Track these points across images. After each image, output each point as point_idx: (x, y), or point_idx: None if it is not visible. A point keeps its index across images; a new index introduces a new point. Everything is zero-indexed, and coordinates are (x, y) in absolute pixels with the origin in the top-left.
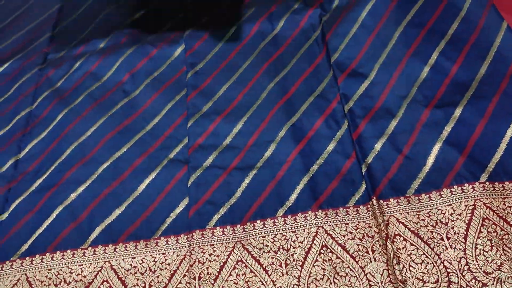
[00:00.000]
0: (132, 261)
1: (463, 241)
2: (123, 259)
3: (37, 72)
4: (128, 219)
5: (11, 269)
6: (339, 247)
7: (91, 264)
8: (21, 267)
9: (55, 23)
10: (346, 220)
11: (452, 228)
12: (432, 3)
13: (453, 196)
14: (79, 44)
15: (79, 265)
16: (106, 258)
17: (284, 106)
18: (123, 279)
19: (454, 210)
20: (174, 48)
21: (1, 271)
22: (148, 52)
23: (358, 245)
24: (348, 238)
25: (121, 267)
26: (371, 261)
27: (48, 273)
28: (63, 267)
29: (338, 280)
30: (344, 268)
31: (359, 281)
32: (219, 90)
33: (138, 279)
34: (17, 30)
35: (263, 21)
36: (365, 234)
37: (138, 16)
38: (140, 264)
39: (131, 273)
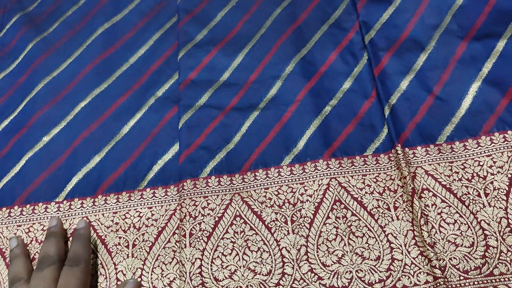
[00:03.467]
0: (114, 216)
1: (505, 198)
2: (103, 214)
3: None
4: (109, 167)
5: None
6: (355, 203)
7: (66, 220)
8: None
9: None
10: (364, 170)
11: (492, 182)
12: None
13: (493, 145)
14: None
15: None
16: (83, 213)
17: (292, 36)
18: (103, 237)
19: (495, 162)
20: None
21: None
22: None
23: (377, 200)
24: (366, 192)
25: (101, 224)
26: (393, 220)
27: (17, 230)
28: (34, 223)
29: (354, 241)
30: (361, 228)
31: (378, 243)
32: (215, 16)
33: (120, 237)
34: None
35: None
36: (386, 188)
37: None
38: (123, 220)
39: (112, 230)
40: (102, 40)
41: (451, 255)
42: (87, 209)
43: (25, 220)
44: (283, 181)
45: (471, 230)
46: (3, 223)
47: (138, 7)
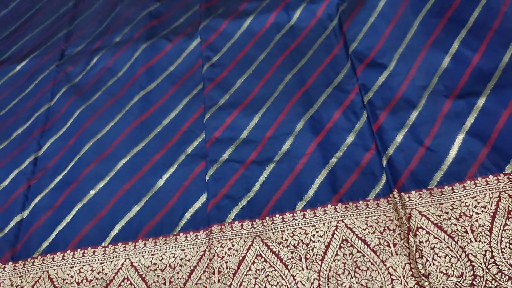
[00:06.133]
0: (152, 257)
1: (488, 234)
2: (143, 256)
3: (55, 68)
4: (147, 215)
5: (32, 266)
6: (360, 241)
7: (111, 261)
8: (42, 264)
9: (71, 18)
10: (367, 213)
11: (477, 220)
12: None
13: (477, 188)
14: (95, 39)
15: (100, 263)
16: (126, 255)
17: (301, 98)
18: (143, 276)
19: (479, 203)
20: (190, 42)
21: (23, 268)
22: (163, 47)
23: (379, 238)
24: (369, 232)
25: (141, 264)
26: (392, 255)
27: (70, 270)
28: (85, 265)
29: (359, 274)
30: (365, 262)
31: (380, 275)
32: (235, 83)
33: (158, 276)
34: (34, 27)
35: (279, 12)
36: (386, 228)
37: (153, 9)
38: (160, 260)
39: (151, 270)
40: (139, 105)
41: (443, 284)
42: (129, 252)
43: (76, 263)
44: (297, 224)
45: (460, 262)
46: (58, 266)
47: (169, 77)
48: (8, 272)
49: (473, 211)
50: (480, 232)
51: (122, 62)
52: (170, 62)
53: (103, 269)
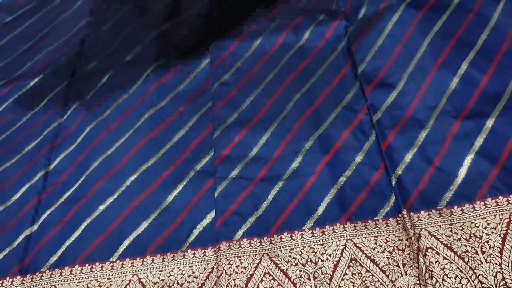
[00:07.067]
0: (160, 274)
1: (499, 255)
2: (150, 272)
3: (66, 85)
4: (155, 232)
5: (40, 280)
6: (369, 261)
7: (119, 277)
8: (50, 278)
9: (83, 37)
10: (376, 232)
11: (487, 242)
12: (460, 14)
13: (487, 209)
14: (107, 57)
15: (108, 279)
16: (134, 271)
17: (310, 117)
18: None
19: (489, 224)
20: (200, 61)
21: (31, 282)
22: (174, 66)
23: (388, 258)
24: (378, 251)
25: (149, 280)
26: (402, 275)
27: (77, 285)
28: (92, 280)
29: None
30: (374, 282)
31: None
32: (244, 101)
33: None
34: (47, 45)
35: (288, 33)
36: (395, 247)
37: (164, 29)
38: (168, 277)
39: (158, 286)
40: (149, 123)
41: None
42: (137, 267)
43: (84, 278)
44: (306, 243)
45: (471, 283)
46: (66, 280)
47: (179, 95)
48: (16, 286)
49: (483, 232)
50: (491, 254)
51: (133, 80)
52: (180, 81)
53: (110, 285)
